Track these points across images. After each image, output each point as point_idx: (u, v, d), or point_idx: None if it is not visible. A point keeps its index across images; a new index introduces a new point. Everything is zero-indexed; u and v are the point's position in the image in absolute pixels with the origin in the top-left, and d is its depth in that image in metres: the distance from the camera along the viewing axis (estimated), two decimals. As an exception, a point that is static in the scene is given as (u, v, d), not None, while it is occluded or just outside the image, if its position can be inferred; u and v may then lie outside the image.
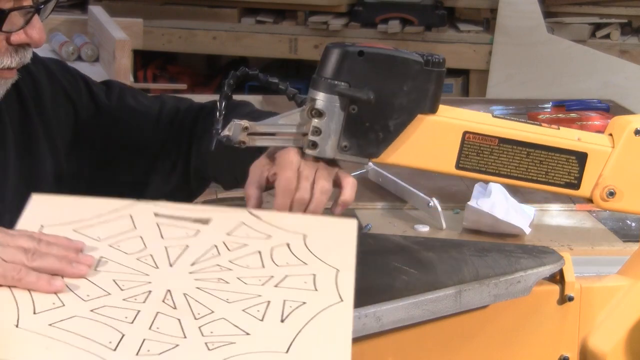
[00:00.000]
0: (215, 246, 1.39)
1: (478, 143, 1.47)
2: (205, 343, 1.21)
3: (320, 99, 1.43)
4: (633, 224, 2.24)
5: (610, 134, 1.51)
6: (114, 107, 1.86)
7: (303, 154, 1.47)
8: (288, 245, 1.40)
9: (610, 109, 3.19)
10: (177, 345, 1.21)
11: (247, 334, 1.23)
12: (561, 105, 3.19)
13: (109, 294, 1.29)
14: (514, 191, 2.23)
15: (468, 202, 2.18)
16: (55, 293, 1.28)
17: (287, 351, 1.21)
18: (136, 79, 4.43)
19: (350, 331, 1.24)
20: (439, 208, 2.20)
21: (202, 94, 4.63)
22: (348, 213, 2.29)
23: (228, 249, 1.39)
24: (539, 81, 4.96)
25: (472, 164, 1.48)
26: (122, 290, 1.30)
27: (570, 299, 1.51)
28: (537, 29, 5.01)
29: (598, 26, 5.22)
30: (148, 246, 1.39)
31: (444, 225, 2.20)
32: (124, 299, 1.28)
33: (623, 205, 1.51)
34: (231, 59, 5.67)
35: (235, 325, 1.24)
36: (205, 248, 1.39)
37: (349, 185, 1.52)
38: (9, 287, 1.28)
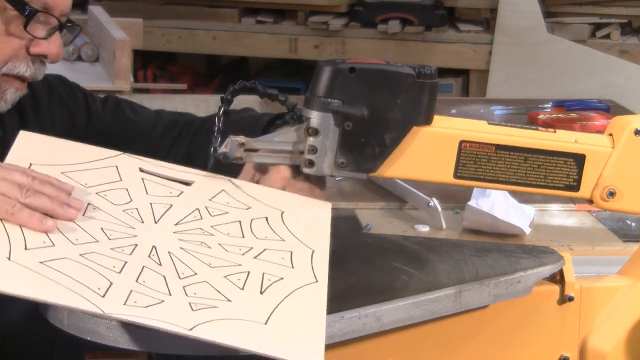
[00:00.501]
0: (198, 209, 1.43)
1: (475, 151, 1.47)
2: (189, 303, 1.25)
3: (315, 117, 1.44)
4: (633, 224, 2.24)
5: (610, 134, 1.51)
6: (107, 118, 1.91)
7: (297, 172, 1.48)
8: (267, 219, 1.43)
9: (610, 109, 3.19)
10: (163, 301, 1.25)
11: (229, 300, 1.27)
12: (561, 105, 3.18)
13: (97, 241, 1.33)
14: (514, 192, 2.23)
15: (468, 202, 2.18)
16: (46, 232, 1.31)
17: (265, 322, 1.25)
18: (136, 79, 4.43)
19: (324, 311, 1.28)
20: (439, 208, 2.20)
21: (202, 94, 4.63)
22: (347, 213, 2.30)
23: (210, 214, 1.43)
24: (539, 81, 4.96)
25: (470, 172, 1.48)
26: (109, 239, 1.34)
27: (570, 299, 1.51)
28: (537, 29, 5.01)
29: (598, 26, 5.22)
30: (133, 200, 1.43)
31: (444, 225, 2.20)
32: (111, 248, 1.32)
33: (623, 205, 1.51)
34: (231, 59, 5.67)
35: (218, 290, 1.28)
36: (188, 210, 1.43)
37: None
38: (1, 220, 1.32)
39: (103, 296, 1.23)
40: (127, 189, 1.45)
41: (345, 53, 5.23)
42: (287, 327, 1.25)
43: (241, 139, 1.46)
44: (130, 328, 1.25)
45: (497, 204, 2.16)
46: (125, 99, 1.99)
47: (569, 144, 1.49)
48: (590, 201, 1.51)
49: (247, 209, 1.46)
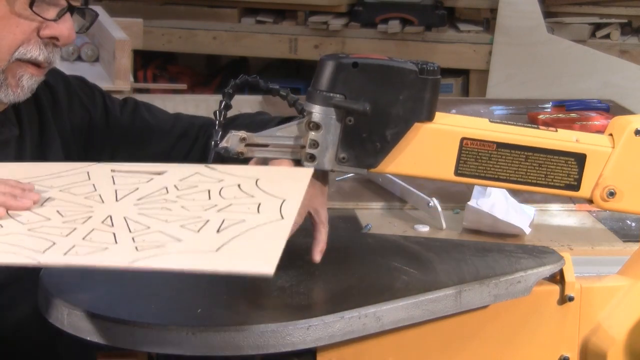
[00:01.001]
0: (165, 187, 1.41)
1: (476, 149, 1.47)
2: (135, 247, 1.23)
3: (317, 111, 1.43)
4: (633, 224, 2.24)
5: (611, 134, 1.51)
6: (125, 119, 1.91)
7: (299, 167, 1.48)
8: (239, 185, 1.41)
9: (610, 109, 3.19)
10: (107, 249, 1.23)
11: (179, 240, 1.24)
12: (561, 105, 3.18)
13: (49, 219, 1.32)
14: (514, 191, 2.23)
15: (468, 202, 2.18)
16: None
17: (217, 250, 1.21)
18: (136, 79, 4.43)
19: (285, 239, 1.23)
20: (439, 208, 2.20)
21: (202, 94, 4.63)
22: (347, 213, 2.30)
23: (177, 189, 1.40)
24: (539, 81, 4.96)
25: (471, 169, 1.48)
26: (62, 216, 1.33)
27: (571, 299, 1.51)
28: (537, 29, 5.01)
29: (598, 26, 5.22)
30: (98, 189, 1.41)
31: (444, 225, 2.20)
32: (63, 222, 1.31)
33: (623, 205, 1.51)
34: (231, 59, 5.67)
35: (169, 235, 1.25)
36: (155, 189, 1.41)
37: (324, 215, 1.51)
38: None
39: (43, 252, 1.22)
40: (93, 184, 1.43)
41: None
42: (240, 249, 1.21)
43: (242, 133, 1.45)
44: (131, 328, 1.25)
45: (497, 204, 2.16)
46: (144, 102, 1.99)
47: (570, 143, 1.49)
48: (590, 201, 1.51)
49: (219, 181, 1.43)
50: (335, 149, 1.45)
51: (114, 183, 1.43)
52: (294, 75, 5.53)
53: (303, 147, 1.45)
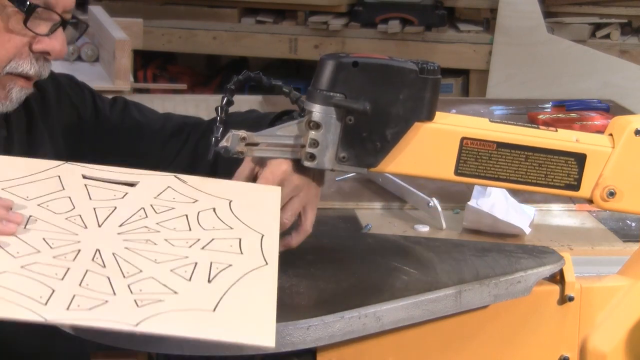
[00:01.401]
0: (143, 208, 1.43)
1: (476, 148, 1.47)
2: (135, 300, 1.25)
3: (317, 111, 1.43)
4: (633, 224, 2.24)
5: (611, 134, 1.51)
6: (115, 118, 1.90)
7: (296, 166, 1.48)
8: (214, 210, 1.43)
9: (610, 109, 3.19)
10: (107, 302, 1.24)
11: (175, 292, 1.27)
12: (561, 105, 3.18)
13: (39, 251, 1.32)
14: (514, 191, 2.23)
15: (468, 202, 2.18)
16: None
17: (214, 309, 1.24)
18: (136, 79, 4.43)
19: (275, 293, 1.27)
20: (439, 208, 2.20)
21: (202, 94, 4.63)
22: (347, 213, 2.30)
23: (155, 212, 1.42)
24: (539, 81, 4.96)
25: (471, 169, 1.48)
26: (51, 248, 1.33)
27: (570, 299, 1.51)
28: (537, 29, 5.01)
29: (598, 26, 5.22)
30: (76, 206, 1.42)
31: (444, 225, 2.20)
32: (54, 257, 1.31)
33: (623, 205, 1.51)
34: (231, 59, 5.67)
35: (164, 284, 1.28)
36: (133, 210, 1.42)
37: (311, 218, 1.53)
38: None
39: (45, 304, 1.22)
40: (69, 197, 1.44)
41: (345, 53, 5.23)
42: (236, 312, 1.24)
43: (242, 133, 1.45)
44: (130, 328, 1.25)
45: (497, 204, 2.16)
46: (134, 101, 1.98)
47: (570, 143, 1.49)
48: (590, 201, 1.51)
49: (193, 202, 1.45)
50: (335, 148, 1.45)
51: (90, 198, 1.44)
52: (294, 75, 5.53)
53: (303, 146, 1.45)
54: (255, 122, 1.76)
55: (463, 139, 1.47)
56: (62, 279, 1.27)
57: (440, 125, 1.47)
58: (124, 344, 1.31)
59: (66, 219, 1.39)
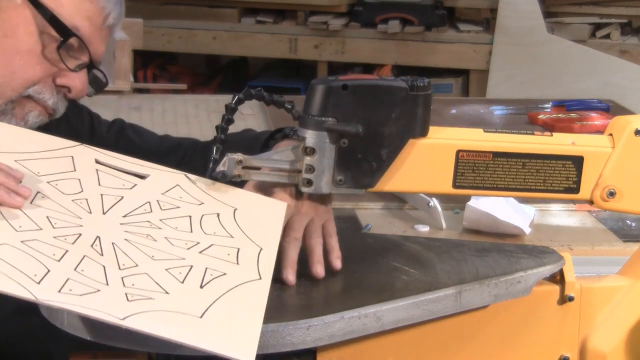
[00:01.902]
0: (149, 203, 1.44)
1: (472, 160, 1.47)
2: (126, 293, 1.25)
3: (310, 136, 1.43)
4: (633, 224, 2.24)
5: (611, 134, 1.51)
6: (110, 138, 1.93)
7: (299, 194, 1.48)
8: (218, 215, 1.44)
9: (610, 109, 3.19)
10: (99, 291, 1.25)
11: (167, 292, 1.27)
12: (561, 105, 3.18)
13: (41, 229, 1.33)
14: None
15: (468, 202, 2.18)
16: None
17: (201, 316, 1.25)
18: (136, 79, 4.43)
19: (264, 309, 1.28)
20: (439, 208, 2.20)
21: (202, 94, 4.63)
22: (347, 213, 2.30)
23: (160, 208, 1.43)
24: (539, 81, 4.96)
25: (469, 181, 1.48)
26: (53, 228, 1.34)
27: (570, 299, 1.51)
28: (537, 29, 5.02)
29: (598, 26, 5.22)
30: (84, 190, 1.43)
31: (444, 225, 2.20)
32: (54, 237, 1.32)
33: (623, 205, 1.51)
34: (231, 59, 5.67)
35: (157, 282, 1.29)
36: (139, 203, 1.43)
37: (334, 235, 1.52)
38: None
39: (38, 283, 1.23)
40: (79, 180, 1.44)
41: (345, 53, 5.23)
42: (222, 322, 1.24)
43: (239, 156, 1.45)
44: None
45: (497, 204, 2.16)
46: (132, 124, 2.01)
47: (566, 147, 1.49)
48: (590, 201, 1.51)
49: (199, 204, 1.45)
50: (331, 172, 1.45)
51: (99, 184, 1.45)
52: (294, 75, 5.53)
53: (300, 171, 1.45)
54: (251, 143, 1.77)
55: (458, 151, 1.47)
56: (59, 260, 1.28)
57: (435, 140, 1.47)
58: (124, 344, 1.31)
59: (72, 200, 1.40)
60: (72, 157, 1.49)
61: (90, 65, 1.72)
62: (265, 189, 1.52)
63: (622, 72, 4.87)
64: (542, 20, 5.02)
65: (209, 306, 1.26)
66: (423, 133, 1.46)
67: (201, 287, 1.30)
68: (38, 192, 1.39)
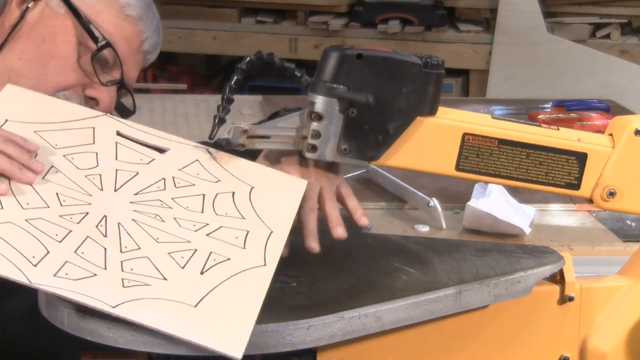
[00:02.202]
0: (164, 179, 1.43)
1: (478, 145, 1.47)
2: (122, 279, 1.24)
3: (319, 102, 1.43)
4: (633, 224, 2.24)
5: (611, 134, 1.51)
6: None
7: (304, 162, 1.48)
8: (233, 194, 1.42)
9: (610, 109, 3.19)
10: (95, 275, 1.24)
11: (165, 278, 1.26)
12: (561, 105, 3.18)
13: (48, 206, 1.33)
14: (514, 191, 2.23)
15: (468, 202, 2.18)
16: None
17: (195, 305, 1.23)
18: (136, 79, 4.42)
19: (262, 298, 1.27)
20: (439, 208, 2.20)
21: (202, 94, 4.63)
22: (347, 213, 2.30)
23: (174, 185, 1.42)
24: (539, 81, 4.96)
25: (472, 165, 1.48)
26: (61, 205, 1.33)
27: (571, 299, 1.51)
28: (537, 29, 5.01)
29: (598, 26, 5.22)
30: (100, 164, 1.42)
31: (444, 225, 2.20)
32: (60, 215, 1.32)
33: (623, 205, 1.51)
34: (231, 59, 5.67)
35: (156, 267, 1.27)
36: (153, 180, 1.42)
37: (352, 196, 1.54)
38: None
39: (35, 265, 1.23)
40: (96, 153, 1.44)
41: (345, 53, 5.23)
42: (216, 313, 1.23)
43: (244, 125, 1.45)
44: (131, 328, 1.25)
45: (497, 204, 2.16)
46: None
47: (572, 142, 1.49)
48: (590, 201, 1.51)
49: (216, 182, 1.44)
50: (337, 140, 1.45)
51: (116, 158, 1.44)
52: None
53: (305, 137, 1.45)
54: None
55: (465, 134, 1.47)
56: (61, 241, 1.28)
57: (443, 120, 1.47)
58: (124, 344, 1.30)
59: (86, 176, 1.40)
60: (94, 128, 1.48)
61: (122, 84, 1.75)
62: (273, 161, 1.52)
63: (622, 72, 4.87)
64: (542, 20, 5.02)
65: (206, 295, 1.25)
66: (432, 111, 1.46)
67: (202, 273, 1.29)
68: (52, 166, 1.39)
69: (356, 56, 1.42)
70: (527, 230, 2.16)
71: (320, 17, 5.26)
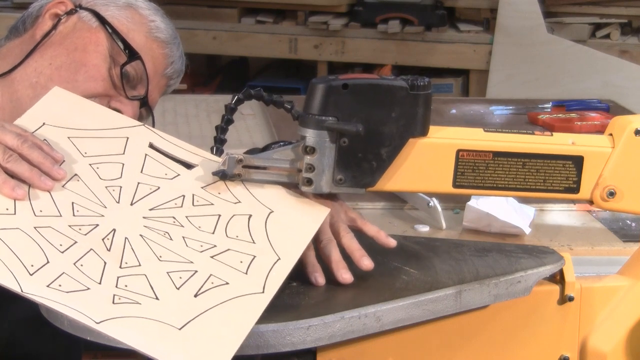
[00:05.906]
0: (183, 196, 1.42)
1: (472, 159, 1.47)
2: (114, 295, 1.24)
3: (310, 135, 1.43)
4: (633, 224, 2.24)
5: (611, 134, 1.51)
6: None
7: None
8: (249, 217, 1.42)
9: (610, 109, 3.19)
10: (88, 289, 1.24)
11: (157, 298, 1.25)
12: (561, 105, 3.18)
13: (60, 215, 1.33)
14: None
15: (468, 202, 2.18)
16: (15, 200, 1.33)
17: (180, 328, 1.22)
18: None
19: (252, 325, 1.25)
20: (439, 208, 2.20)
21: (202, 94, 4.63)
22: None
23: (192, 204, 1.42)
24: (539, 81, 4.96)
25: (469, 180, 1.48)
26: (74, 215, 1.34)
27: (571, 299, 1.51)
28: (537, 29, 5.01)
29: (598, 26, 5.22)
30: (123, 176, 1.42)
31: (444, 225, 2.20)
32: (69, 225, 1.32)
33: (623, 205, 1.51)
34: (231, 59, 5.67)
35: (151, 286, 1.27)
36: (173, 196, 1.42)
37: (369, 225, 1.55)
38: None
39: (32, 274, 1.23)
40: (123, 164, 1.44)
41: (345, 53, 5.23)
42: (199, 338, 1.22)
43: (239, 155, 1.45)
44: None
45: (497, 204, 2.16)
46: None
47: (566, 147, 1.49)
48: (590, 201, 1.51)
49: (235, 202, 1.44)
50: (331, 171, 1.45)
51: (141, 171, 1.44)
52: (294, 75, 5.53)
53: (300, 170, 1.45)
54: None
55: (459, 151, 1.47)
56: (63, 252, 1.28)
57: (435, 140, 1.47)
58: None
59: (106, 187, 1.40)
60: (127, 138, 1.49)
61: (145, 101, 1.76)
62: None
63: (622, 72, 4.87)
64: (542, 20, 5.02)
65: (193, 318, 1.24)
66: (423, 132, 1.46)
67: (195, 295, 1.27)
68: (75, 175, 1.39)
69: (342, 86, 1.42)
70: (527, 230, 2.16)
71: (320, 17, 5.26)
